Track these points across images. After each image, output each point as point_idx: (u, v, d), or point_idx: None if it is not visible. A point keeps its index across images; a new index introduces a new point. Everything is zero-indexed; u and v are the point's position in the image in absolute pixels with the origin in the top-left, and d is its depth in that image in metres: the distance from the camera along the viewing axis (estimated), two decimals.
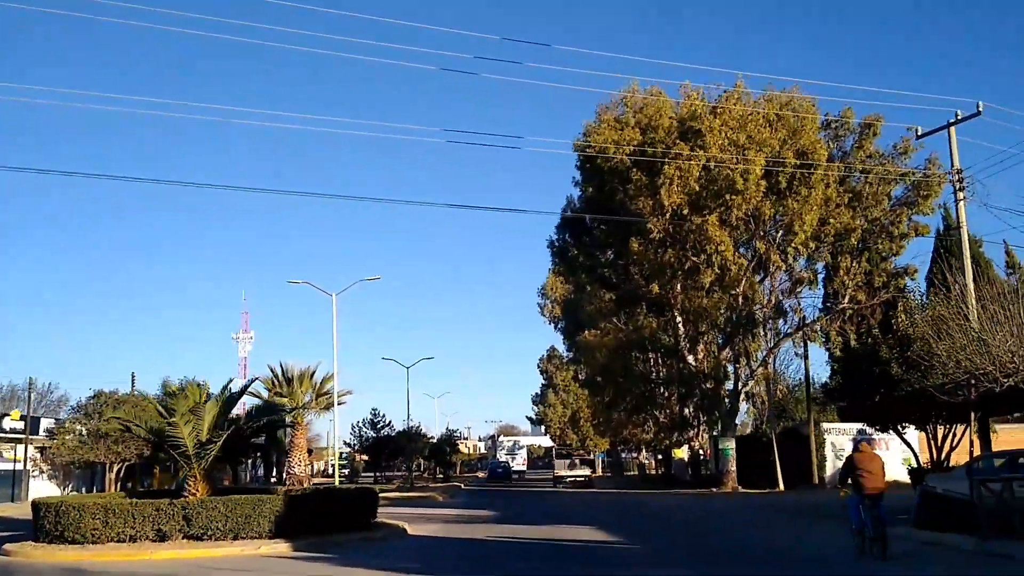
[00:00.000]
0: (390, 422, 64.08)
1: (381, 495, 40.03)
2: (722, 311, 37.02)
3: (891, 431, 24.11)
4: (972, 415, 19.22)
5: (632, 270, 41.03)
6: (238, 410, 26.87)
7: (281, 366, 45.53)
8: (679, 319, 40.11)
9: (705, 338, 39.91)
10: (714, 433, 46.11)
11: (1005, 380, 16.25)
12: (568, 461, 58.46)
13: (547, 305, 75.71)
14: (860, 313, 37.26)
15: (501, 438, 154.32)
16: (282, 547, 17.75)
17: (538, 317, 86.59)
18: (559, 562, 15.35)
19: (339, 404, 46.95)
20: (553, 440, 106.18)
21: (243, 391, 23.82)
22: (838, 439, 39.79)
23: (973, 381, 19.41)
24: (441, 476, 65.84)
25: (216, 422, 21.85)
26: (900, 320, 22.47)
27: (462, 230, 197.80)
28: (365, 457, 68.18)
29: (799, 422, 41.48)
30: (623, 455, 77.60)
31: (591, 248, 47.94)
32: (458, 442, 77.92)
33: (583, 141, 39.76)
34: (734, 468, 39.53)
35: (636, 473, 67.14)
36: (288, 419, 46.64)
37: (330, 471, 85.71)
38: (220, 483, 46.69)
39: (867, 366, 22.81)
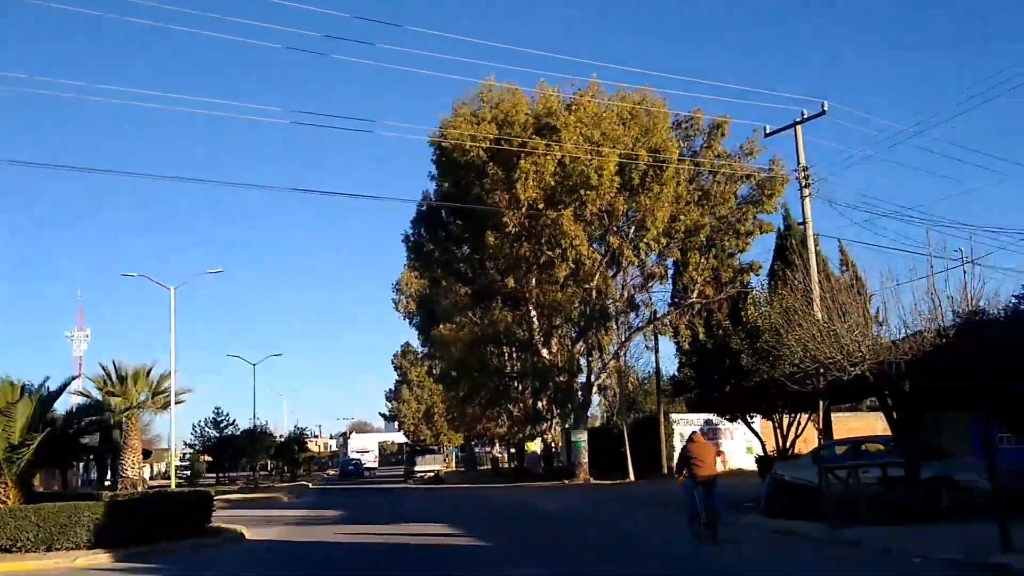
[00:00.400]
0: (234, 421, 61.08)
1: (222, 497, 37.90)
2: (576, 305, 37.15)
3: (739, 420, 24.61)
4: (821, 403, 19.74)
5: (488, 264, 40.63)
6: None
7: (114, 364, 42.27)
8: (534, 313, 40.02)
9: (559, 332, 40.01)
10: (567, 426, 46.44)
11: (852, 369, 16.63)
12: (419, 457, 60.05)
13: (402, 300, 74.52)
14: (708, 307, 38.25)
15: (353, 435, 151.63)
16: (102, 558, 16.10)
17: (393, 312, 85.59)
18: (408, 564, 14.49)
19: (177, 403, 44.05)
20: (407, 436, 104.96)
21: (62, 390, 21.64)
22: (686, 429, 40.63)
23: (822, 370, 19.89)
24: (289, 476, 63.39)
25: (31, 423, 19.76)
26: (750, 312, 22.99)
27: (314, 222, 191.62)
28: (208, 458, 64.75)
29: (649, 413, 42.35)
30: (476, 450, 77.47)
31: (447, 243, 47.29)
32: (307, 440, 75.30)
33: (439, 135, 39.04)
34: (586, 460, 39.83)
35: (490, 467, 67.05)
36: (122, 419, 43.70)
37: (171, 473, 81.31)
38: (50, 488, 43.09)
39: (718, 358, 23.19)
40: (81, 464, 72.38)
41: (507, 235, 35.53)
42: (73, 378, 20.74)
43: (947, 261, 19.17)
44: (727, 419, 25.37)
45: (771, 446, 24.99)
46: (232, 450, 57.14)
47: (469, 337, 37.13)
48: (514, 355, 42.87)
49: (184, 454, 73.96)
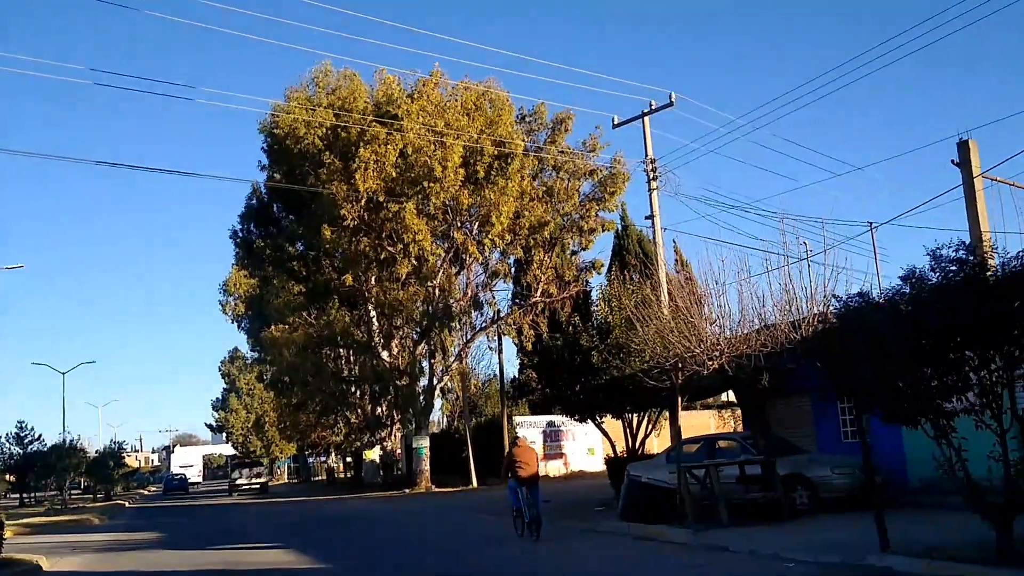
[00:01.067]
0: (40, 436, 55.07)
1: (22, 522, 33.63)
2: (418, 304, 35.53)
3: (588, 420, 23.80)
4: (679, 399, 19.11)
5: (324, 262, 38.37)
6: None
7: None
8: (373, 313, 38.08)
9: (400, 333, 38.29)
10: (407, 432, 44.73)
11: (710, 363, 16.03)
12: (245, 470, 60.22)
13: (230, 303, 69.99)
14: (551, 306, 37.66)
15: (177, 449, 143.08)
16: None
17: (220, 316, 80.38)
18: None
19: None
20: (235, 447, 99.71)
21: None
22: (529, 432, 40.03)
23: (680, 364, 19.36)
24: (102, 495, 57.98)
25: None
26: (601, 309, 22.23)
27: (130, 212, 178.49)
28: (11, 478, 58.22)
29: (492, 417, 41.32)
30: (311, 460, 74.01)
31: (279, 239, 44.55)
32: (124, 455, 69.37)
33: (271, 123, 36.44)
34: (428, 467, 38.31)
35: (325, 478, 63.97)
36: None
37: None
38: None
39: (567, 356, 22.27)
40: None
41: (345, 229, 33.43)
42: None
43: (800, 253, 19.13)
44: (575, 419, 24.48)
45: (620, 447, 24.36)
46: (38, 468, 51.42)
47: (303, 339, 34.71)
48: (351, 358, 40.70)
49: None
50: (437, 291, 35.88)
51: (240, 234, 48.50)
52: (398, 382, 37.40)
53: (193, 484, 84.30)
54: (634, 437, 23.05)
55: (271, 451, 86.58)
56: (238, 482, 56.35)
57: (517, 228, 35.49)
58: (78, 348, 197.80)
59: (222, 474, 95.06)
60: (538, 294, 37.79)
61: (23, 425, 54.12)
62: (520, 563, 13.82)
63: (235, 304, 68.64)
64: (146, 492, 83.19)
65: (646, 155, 23.95)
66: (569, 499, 25.56)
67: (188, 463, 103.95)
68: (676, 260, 40.50)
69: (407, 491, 37.74)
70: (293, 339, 34.40)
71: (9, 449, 53.62)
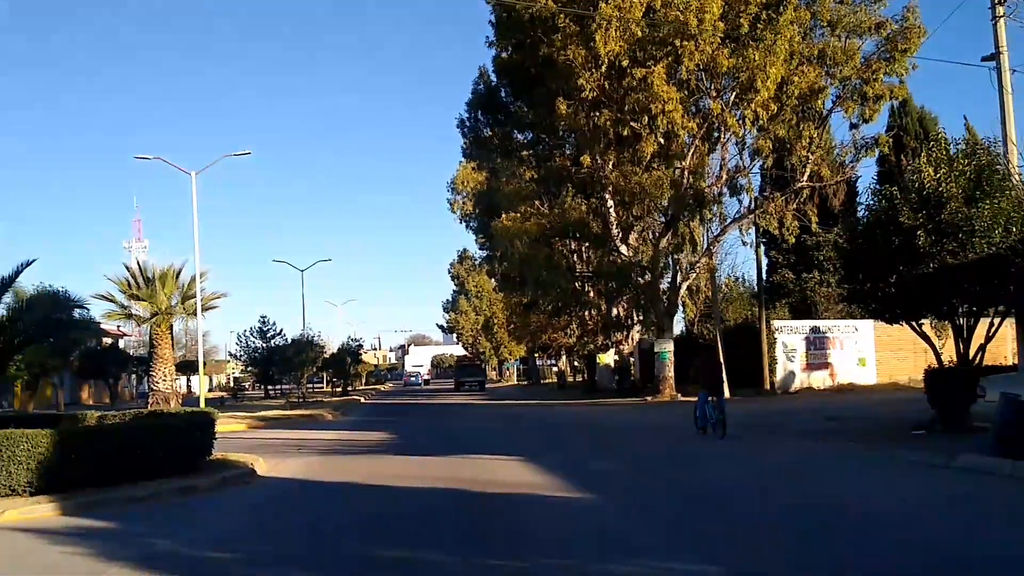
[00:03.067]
0: (282, 331, 56.87)
1: (259, 414, 33.45)
2: (664, 189, 30.87)
3: (904, 322, 18.47)
4: None
5: (556, 150, 34.66)
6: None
7: (139, 264, 38.06)
8: (611, 203, 33.97)
9: (641, 224, 34.01)
10: (645, 334, 40.87)
11: None
12: (467, 371, 69.94)
13: (458, 201, 68.79)
14: (822, 192, 31.85)
15: (412, 349, 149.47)
16: (42, 509, 11.21)
17: (449, 216, 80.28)
18: (492, 543, 8.54)
19: (209, 308, 39.50)
20: (465, 348, 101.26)
21: (12, 279, 16.49)
22: (790, 339, 34.86)
23: None
24: (340, 391, 59.33)
25: None
26: (926, 175, 16.78)
27: (355, 106, 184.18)
28: (254, 371, 61.09)
29: (742, 321, 36.37)
30: (539, 363, 72.45)
31: (508, 127, 41.58)
32: (361, 352, 71.05)
33: None
34: (672, 373, 34.31)
35: (556, 382, 61.85)
36: (146, 326, 39.86)
37: (233, 385, 78.57)
38: (100, 401, 38.83)
39: (880, 237, 17.00)
40: (133, 376, 69.93)
41: (582, 102, 29.25)
42: (29, 263, 15.59)
43: None
44: (885, 320, 19.15)
45: (931, 358, 18.96)
46: (278, 361, 52.93)
47: (536, 230, 31.27)
48: (587, 253, 36.90)
49: (244, 367, 70.72)
50: (686, 175, 31.08)
51: (467, 123, 45.91)
52: (639, 279, 33.34)
53: (425, 381, 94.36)
54: (966, 344, 17.54)
55: (500, 353, 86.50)
56: (462, 380, 66.61)
57: (784, 97, 29.68)
58: (316, 248, 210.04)
59: (451, 373, 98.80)
60: (805, 178, 31.99)
61: (265, 320, 55.85)
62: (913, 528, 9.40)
63: (463, 202, 67.24)
64: (383, 388, 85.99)
65: None
66: (865, 419, 20.60)
67: (419, 363, 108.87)
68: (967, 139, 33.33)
69: (648, 399, 34.07)
70: (525, 229, 31.05)
71: (253, 343, 55.62)
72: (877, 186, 19.62)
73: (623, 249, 33.84)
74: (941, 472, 11.99)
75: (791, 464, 14.23)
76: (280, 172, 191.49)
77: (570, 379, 61.01)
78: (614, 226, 33.89)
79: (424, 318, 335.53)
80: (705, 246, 33.94)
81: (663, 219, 33.26)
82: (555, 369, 68.93)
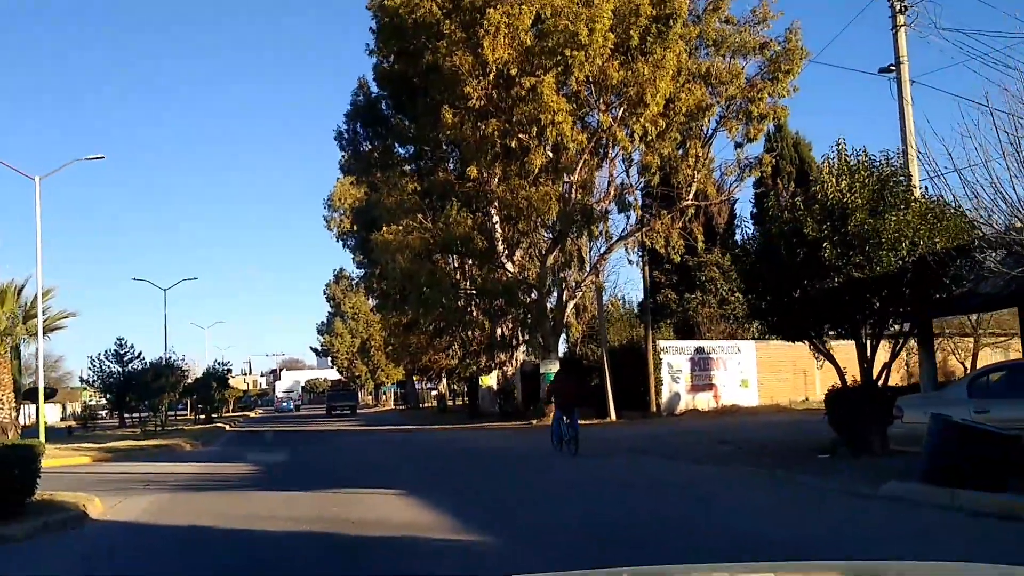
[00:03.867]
0: (140, 354, 52.73)
1: (107, 445, 30.18)
2: (551, 204, 29.81)
3: (805, 340, 17.74)
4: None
5: (440, 161, 33.19)
6: None
7: None
8: (496, 219, 32.76)
9: (528, 240, 32.84)
10: (530, 355, 39.67)
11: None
12: (338, 395, 71.74)
13: (335, 218, 66.35)
14: (707, 212, 31.57)
15: (283, 373, 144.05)
16: None
17: (326, 236, 77.45)
18: None
19: (54, 329, 36.13)
20: (340, 372, 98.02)
21: None
22: (675, 359, 34.35)
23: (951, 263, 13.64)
24: (203, 418, 55.54)
25: None
26: (829, 186, 16.19)
27: (231, 114, 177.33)
28: (107, 398, 56.49)
29: (627, 342, 35.66)
30: (418, 386, 70.33)
31: (389, 141, 39.88)
32: (230, 377, 67.06)
33: None
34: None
35: (435, 405, 59.83)
36: None
37: (83, 413, 72.69)
38: None
39: (787, 250, 16.25)
40: None
41: (469, 111, 27.90)
42: None
43: None
44: (788, 338, 18.36)
45: (810, 380, 18.35)
46: (136, 388, 48.89)
47: (419, 244, 29.58)
48: (471, 270, 35.46)
49: (97, 393, 65.48)
50: (574, 190, 30.16)
51: (346, 136, 43.93)
52: (525, 297, 32.13)
53: (296, 407, 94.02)
54: (870, 363, 16.92)
55: (376, 376, 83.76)
56: (334, 404, 68.24)
57: (671, 113, 29.26)
58: (181, 267, 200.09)
59: (322, 398, 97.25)
60: (691, 196, 31.68)
61: (123, 342, 51.65)
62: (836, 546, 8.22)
63: (340, 219, 64.82)
64: (252, 415, 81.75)
65: None
66: (761, 442, 19.83)
67: (290, 388, 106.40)
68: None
69: (534, 422, 32.78)
70: (408, 243, 29.29)
71: (109, 367, 51.31)
72: (757, 207, 19.02)
73: (508, 266, 32.62)
74: (869, 503, 10.97)
75: (691, 492, 13.07)
76: (140, 184, 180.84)
77: (450, 403, 59.26)
78: (500, 242, 32.66)
79: (297, 342, 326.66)
80: (592, 264, 33.05)
81: (550, 235, 32.21)
82: (434, 392, 67.14)
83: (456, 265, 35.30)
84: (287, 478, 17.27)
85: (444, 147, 33.34)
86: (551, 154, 28.28)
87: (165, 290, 58.73)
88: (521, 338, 36.27)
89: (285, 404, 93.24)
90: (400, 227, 30.00)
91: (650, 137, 28.81)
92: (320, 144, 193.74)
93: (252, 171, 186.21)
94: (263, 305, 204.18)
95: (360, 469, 18.66)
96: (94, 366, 52.12)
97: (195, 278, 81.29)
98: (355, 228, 55.16)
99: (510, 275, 31.92)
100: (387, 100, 41.02)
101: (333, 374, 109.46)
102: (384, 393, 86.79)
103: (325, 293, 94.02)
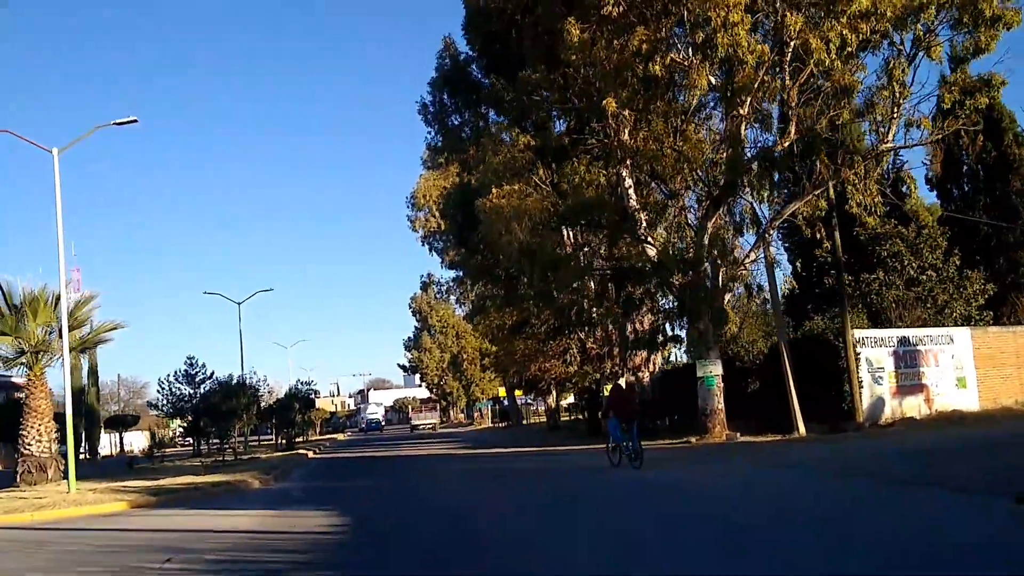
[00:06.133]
0: (212, 374, 46.72)
1: (160, 483, 23.89)
2: (707, 148, 22.14)
3: None
4: None
5: (554, 112, 26.00)
6: None
7: (1, 288, 28.75)
8: (629, 181, 25.32)
9: (679, 201, 25.18)
10: (663, 357, 32.04)
11: None
12: (418, 414, 76.32)
13: (420, 218, 59.82)
14: (930, 144, 23.52)
15: (370, 393, 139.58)
16: None
17: (408, 249, 71.67)
18: None
19: (99, 343, 30.37)
20: (430, 389, 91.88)
21: None
22: (875, 354, 26.18)
23: None
24: (284, 443, 49.40)
25: None
26: None
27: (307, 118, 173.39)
28: (183, 424, 50.89)
29: (810, 331, 27.58)
30: (520, 401, 62.72)
31: (483, 107, 33.59)
32: (315, 397, 60.83)
33: None
34: (722, 405, 25.53)
35: (547, 422, 51.76)
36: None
37: (152, 442, 67.96)
38: None
39: None
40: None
41: (603, 22, 20.56)
42: None
43: None
44: None
45: None
46: (203, 411, 42.82)
47: (539, 210, 22.31)
48: (599, 244, 27.76)
49: (166, 417, 60.21)
50: (744, 125, 22.42)
51: (431, 108, 37.63)
52: (674, 279, 24.46)
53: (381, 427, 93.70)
54: None
55: (471, 391, 77.04)
56: (416, 422, 71.66)
57: (875, 16, 21.36)
58: (259, 283, 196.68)
59: (407, 418, 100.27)
60: (889, 137, 23.59)
61: (193, 361, 45.70)
62: None
63: (426, 218, 58.38)
64: (340, 438, 76.01)
65: None
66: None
67: (375, 410, 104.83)
68: None
69: (693, 440, 25.15)
70: (526, 208, 22.02)
71: (179, 389, 45.41)
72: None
73: (649, 243, 25.01)
74: None
75: None
76: (208, 199, 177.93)
77: (566, 417, 51.57)
78: (638, 208, 25.15)
79: (385, 360, 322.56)
80: (762, 230, 25.00)
81: (708, 194, 24.30)
82: (542, 407, 59.59)
83: (574, 240, 27.78)
84: (379, 552, 10.17)
85: (559, 95, 25.99)
86: (719, 74, 20.67)
87: (239, 303, 53.41)
88: (668, 332, 28.41)
89: (371, 424, 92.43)
90: (515, 186, 22.76)
91: (850, 48, 20.97)
92: (403, 147, 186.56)
93: (331, 182, 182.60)
94: (347, 324, 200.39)
95: (505, 526, 11.46)
96: (163, 388, 46.35)
97: (270, 289, 75.69)
98: (444, 222, 48.65)
99: (656, 248, 24.28)
100: (478, 60, 34.67)
101: (421, 392, 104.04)
102: (478, 410, 79.77)
103: (411, 307, 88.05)
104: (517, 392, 57.88)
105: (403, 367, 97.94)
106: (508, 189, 22.44)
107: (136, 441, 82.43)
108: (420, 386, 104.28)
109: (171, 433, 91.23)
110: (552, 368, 37.62)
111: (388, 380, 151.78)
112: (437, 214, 54.20)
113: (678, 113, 21.79)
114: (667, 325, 27.71)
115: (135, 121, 23.32)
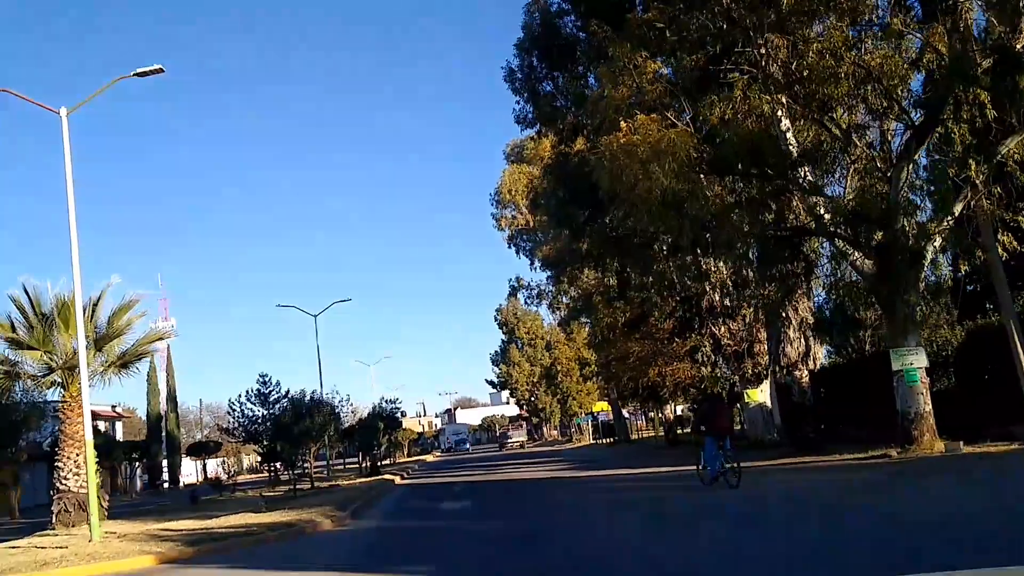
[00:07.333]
0: (287, 392, 41.83)
1: (208, 525, 18.67)
2: (901, 63, 16.09)
3: None
4: None
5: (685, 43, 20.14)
6: None
7: (28, 293, 24.45)
8: (786, 123, 19.41)
9: (866, 138, 19.02)
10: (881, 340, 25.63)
11: None
12: (508, 433, 78.24)
13: (506, 216, 54.48)
14: None
15: (457, 412, 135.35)
16: None
17: (494, 262, 66.04)
18: None
19: (140, 357, 25.43)
20: (519, 405, 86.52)
21: None
22: None
23: None
24: (369, 466, 44.44)
25: None
26: None
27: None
28: (256, 448, 46.32)
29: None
30: (626, 414, 56.17)
31: (580, 66, 28.66)
32: (400, 416, 55.64)
33: None
34: (930, 407, 19.21)
35: (665, 436, 44.87)
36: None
37: (223, 470, 64.30)
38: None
39: None
40: (137, 464, 55.77)
41: None
42: None
43: None
44: None
45: None
46: (274, 433, 37.92)
47: (684, 149, 16.47)
48: (755, 198, 21.50)
49: (238, 441, 56.11)
50: (950, 42, 16.26)
51: (518, 73, 32.58)
52: (867, 235, 18.26)
53: (465, 448, 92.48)
54: None
55: (567, 405, 71.14)
56: (504, 440, 74.62)
57: None
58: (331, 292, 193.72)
59: (495, 437, 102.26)
60: None
61: (266, 379, 40.90)
62: None
63: (512, 216, 53.06)
64: (430, 458, 71.10)
65: None
66: None
67: (460, 430, 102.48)
68: None
69: (894, 453, 18.88)
70: (668, 146, 16.21)
71: (252, 411, 40.71)
72: None
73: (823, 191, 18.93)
74: None
75: None
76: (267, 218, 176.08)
77: (681, 431, 45.20)
78: (799, 153, 19.12)
79: (472, 378, 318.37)
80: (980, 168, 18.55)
81: (905, 122, 18.09)
82: (641, 421, 53.28)
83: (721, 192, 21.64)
84: None
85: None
86: None
87: (315, 316, 48.93)
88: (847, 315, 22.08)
89: (461, 446, 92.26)
90: (652, 117, 16.96)
91: None
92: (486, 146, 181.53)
93: (408, 192, 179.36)
94: (432, 340, 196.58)
95: None
96: (234, 411, 41.75)
97: (348, 299, 70.59)
98: (532, 218, 43.25)
99: (832, 202, 18.17)
100: (575, 7, 29.58)
101: (510, 409, 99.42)
102: (576, 425, 73.62)
103: (497, 319, 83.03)
104: (628, 406, 51.62)
105: (491, 382, 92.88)
106: (643, 120, 16.64)
107: (211, 471, 79.24)
108: (508, 403, 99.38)
109: (248, 460, 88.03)
110: (677, 371, 31.52)
111: (475, 399, 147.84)
112: (525, 209, 48.90)
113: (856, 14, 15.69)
114: (847, 303, 21.37)
115: (161, 71, 18.51)
